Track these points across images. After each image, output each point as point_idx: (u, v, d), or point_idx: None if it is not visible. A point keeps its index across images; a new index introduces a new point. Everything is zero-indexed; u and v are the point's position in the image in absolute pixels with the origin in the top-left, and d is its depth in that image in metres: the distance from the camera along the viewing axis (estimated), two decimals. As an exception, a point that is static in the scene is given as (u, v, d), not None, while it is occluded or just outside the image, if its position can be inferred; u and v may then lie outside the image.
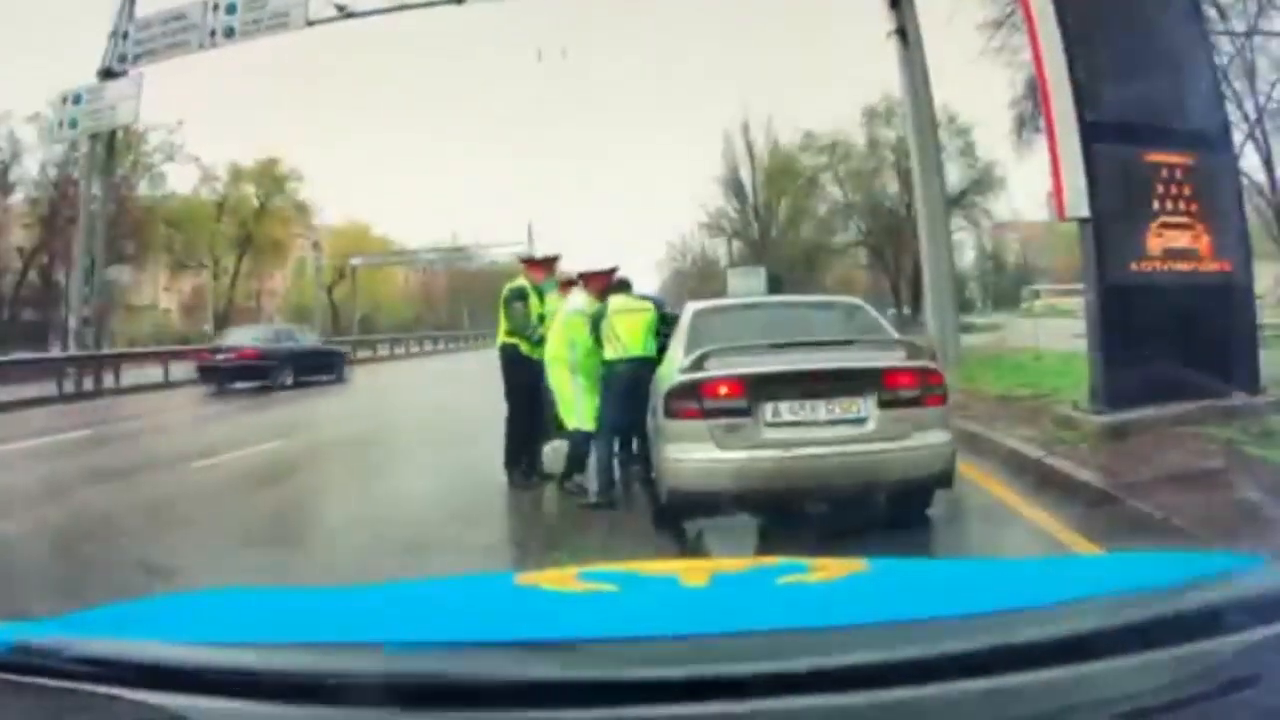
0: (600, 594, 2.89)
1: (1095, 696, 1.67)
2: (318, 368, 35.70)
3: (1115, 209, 14.20)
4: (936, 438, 9.09)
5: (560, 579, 3.23)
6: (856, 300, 12.43)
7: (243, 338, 35.17)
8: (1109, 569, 3.48)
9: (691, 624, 2.13)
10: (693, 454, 9.04)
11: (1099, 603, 1.95)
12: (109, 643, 1.88)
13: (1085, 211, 14.12)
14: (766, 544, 7.82)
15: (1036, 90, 18.42)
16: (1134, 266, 14.16)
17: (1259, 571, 2.35)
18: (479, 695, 1.67)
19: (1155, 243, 14.26)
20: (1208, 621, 1.79)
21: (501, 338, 12.88)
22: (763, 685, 1.63)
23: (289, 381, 33.27)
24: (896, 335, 10.84)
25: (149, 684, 1.74)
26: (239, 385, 32.52)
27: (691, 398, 9.10)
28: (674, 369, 9.70)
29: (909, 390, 9.06)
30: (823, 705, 1.64)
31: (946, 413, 9.46)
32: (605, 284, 12.01)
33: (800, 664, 1.65)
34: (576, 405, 11.59)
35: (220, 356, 33.22)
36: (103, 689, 1.75)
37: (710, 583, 3.02)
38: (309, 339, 39.01)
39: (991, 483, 11.43)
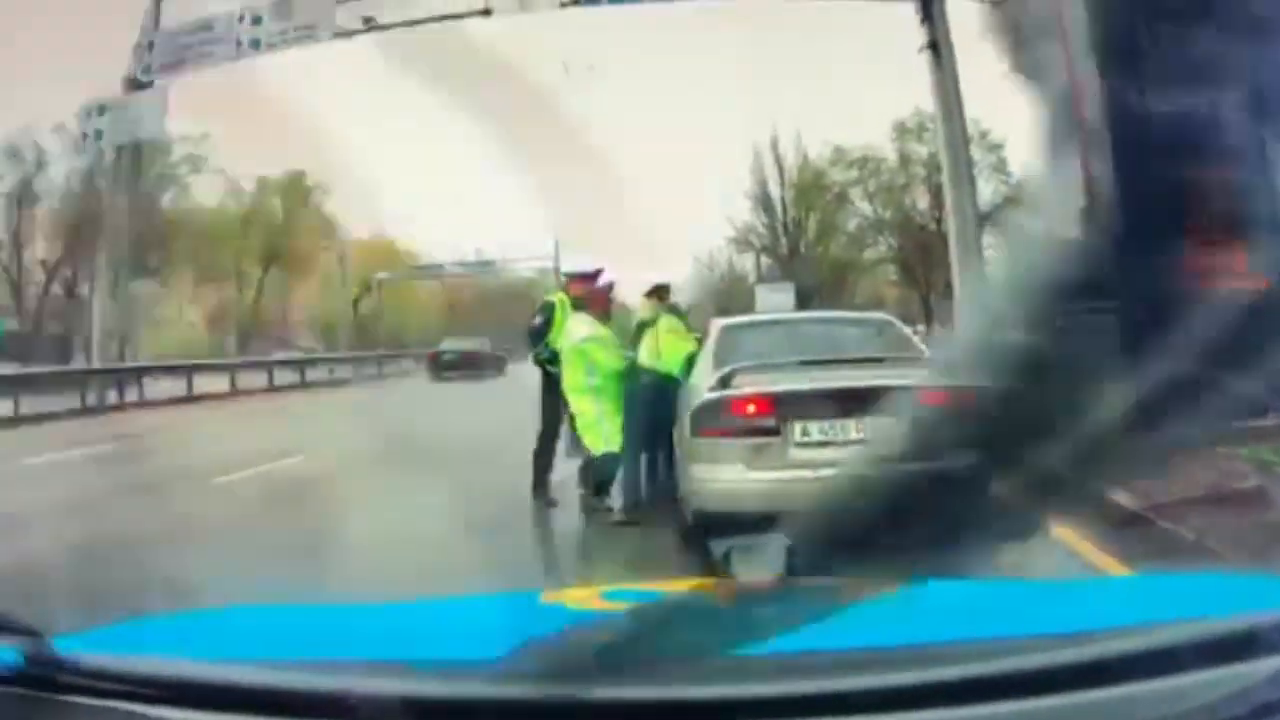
0: (624, 613, 2.71)
1: None
2: (495, 365, 50.21)
3: (1148, 224, 14.04)
4: (970, 457, 8.65)
5: (584, 598, 3.22)
6: (886, 316, 12.76)
7: (462, 344, 53.23)
8: (1140, 591, 3.49)
9: (718, 644, 2.05)
10: (720, 474, 9.07)
11: (1129, 626, 1.92)
12: (129, 658, 1.87)
13: (1117, 228, 14.00)
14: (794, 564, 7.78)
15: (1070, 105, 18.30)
16: (1167, 283, 14.01)
17: None
18: (501, 714, 1.68)
19: (1189, 259, 14.09)
20: (1240, 644, 1.74)
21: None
22: (792, 706, 1.64)
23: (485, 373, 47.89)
24: (927, 352, 10.52)
25: (168, 700, 1.74)
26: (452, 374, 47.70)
27: (719, 416, 9.14)
28: (701, 386, 9.74)
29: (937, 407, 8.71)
30: None
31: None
32: (605, 301, 12.17)
33: (829, 685, 1.67)
34: (602, 428, 11.28)
35: (446, 355, 51.46)
36: (122, 705, 1.74)
37: (737, 603, 2.84)
38: (489, 347, 53.22)
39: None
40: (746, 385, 9.20)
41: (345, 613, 3.09)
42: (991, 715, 1.64)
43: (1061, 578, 7.81)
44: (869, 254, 73.44)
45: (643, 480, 11.38)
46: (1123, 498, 10.27)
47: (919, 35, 28.45)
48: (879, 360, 9.73)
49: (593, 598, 3.13)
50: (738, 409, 9.09)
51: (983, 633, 2.09)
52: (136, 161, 37.25)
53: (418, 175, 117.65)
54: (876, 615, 2.46)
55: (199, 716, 1.71)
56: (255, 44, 32.68)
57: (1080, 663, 1.69)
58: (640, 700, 1.68)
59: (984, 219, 43.45)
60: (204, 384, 36.99)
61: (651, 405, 11.08)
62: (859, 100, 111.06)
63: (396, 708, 1.64)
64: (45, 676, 1.79)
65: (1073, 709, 1.64)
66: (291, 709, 1.69)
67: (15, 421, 26.95)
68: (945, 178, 29.05)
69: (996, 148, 60.86)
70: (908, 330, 11.82)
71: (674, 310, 12.30)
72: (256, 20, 32.51)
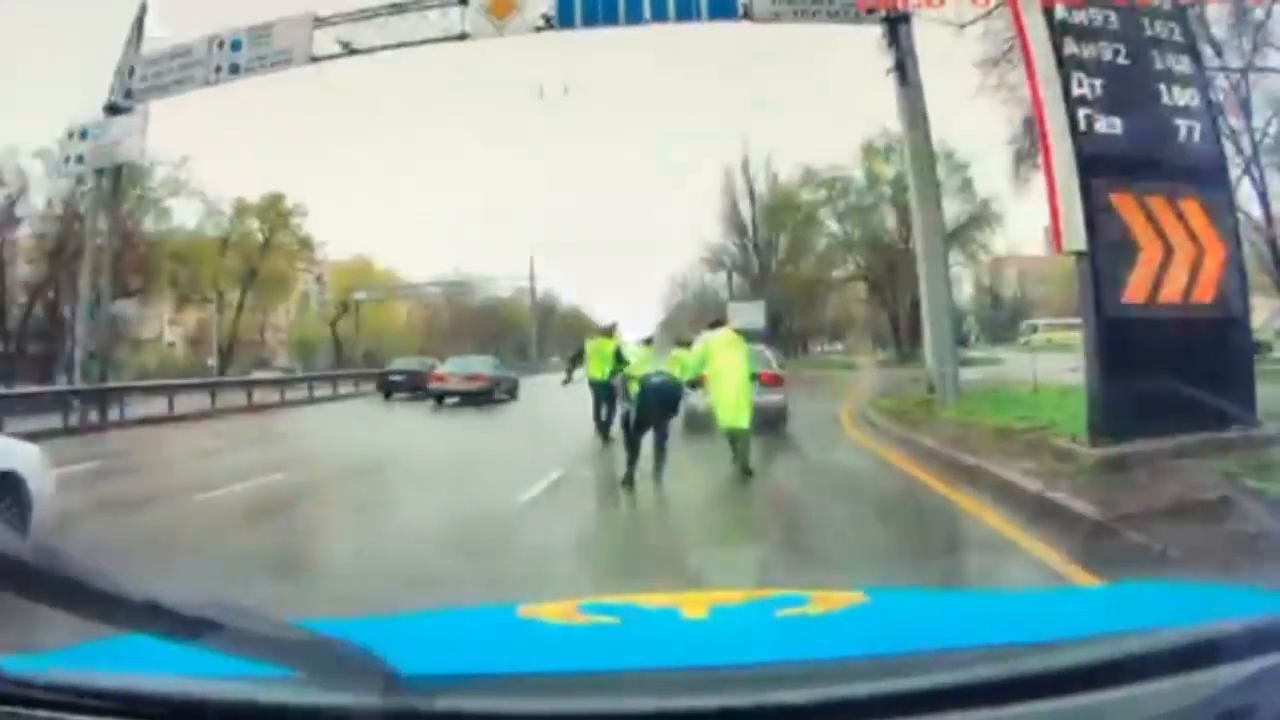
0: (601, 626, 2.95)
1: None
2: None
3: (1112, 243, 14.23)
4: (778, 396, 22.17)
5: (561, 611, 3.24)
6: (763, 346, 26.16)
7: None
8: (1107, 601, 3.58)
9: (692, 656, 2.19)
10: (698, 398, 18.60)
11: (1097, 634, 1.94)
12: (99, 675, 1.86)
13: (1082, 245, 14.18)
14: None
15: (1034, 126, 18.60)
16: (1131, 300, 14.23)
17: (1255, 603, 2.38)
18: None
19: (1152, 277, 14.31)
20: (1204, 653, 1.78)
21: (593, 374, 22.71)
22: (762, 717, 1.66)
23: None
24: (775, 362, 24.22)
25: (139, 717, 1.75)
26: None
27: (698, 380, 17.68)
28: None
29: (769, 382, 21.42)
30: None
31: (783, 388, 22.80)
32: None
33: (799, 696, 1.67)
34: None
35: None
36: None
37: (710, 615, 3.09)
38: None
39: (990, 515, 11.56)
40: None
41: (321, 627, 2.79)
42: None
43: (1026, 587, 8.08)
44: (838, 273, 73.38)
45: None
46: (1089, 509, 10.55)
47: (886, 58, 28.57)
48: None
49: (571, 611, 3.18)
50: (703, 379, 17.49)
51: (948, 642, 2.08)
52: (116, 185, 37.05)
53: (395, 197, 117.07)
54: (846, 626, 2.82)
55: None
56: (234, 69, 32.57)
57: (1045, 672, 1.72)
58: (614, 713, 1.71)
59: (950, 238, 43.74)
60: (183, 404, 37.06)
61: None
62: (828, 122, 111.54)
63: None
64: (10, 693, 1.78)
65: (1037, 718, 1.69)
66: None
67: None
68: (912, 197, 29.01)
69: (962, 168, 61.12)
70: (769, 352, 25.23)
71: (684, 345, 19.58)
72: (235, 45, 32.47)
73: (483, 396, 40.72)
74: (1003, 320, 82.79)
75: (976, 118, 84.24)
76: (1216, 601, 2.52)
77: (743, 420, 16.42)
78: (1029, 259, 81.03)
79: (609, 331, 20.53)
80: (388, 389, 49.01)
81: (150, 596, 1.51)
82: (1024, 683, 1.70)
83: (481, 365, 44.77)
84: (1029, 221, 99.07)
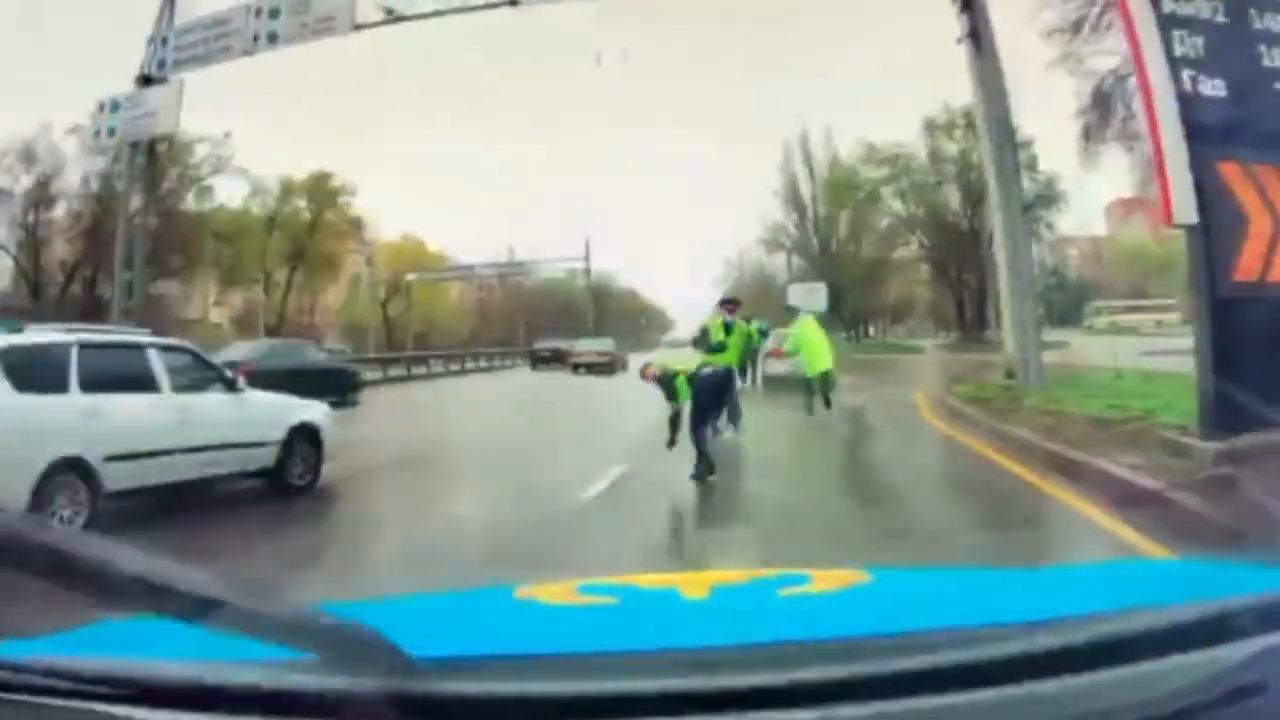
0: (600, 607, 2.93)
1: (1101, 706, 1.62)
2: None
3: (1220, 216, 13.37)
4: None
5: (560, 592, 3.22)
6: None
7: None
8: (1115, 578, 3.44)
9: (692, 637, 2.14)
10: (770, 368, 31.47)
11: (1105, 612, 1.90)
12: (101, 660, 1.81)
13: (1193, 218, 13.34)
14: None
15: (1105, 99, 17.78)
16: (1246, 278, 13.40)
17: (1265, 579, 2.32)
18: (479, 710, 1.64)
19: (1264, 253, 13.37)
20: (1214, 628, 1.75)
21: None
22: (765, 698, 1.61)
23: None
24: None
25: (142, 701, 1.69)
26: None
27: (771, 353, 28.77)
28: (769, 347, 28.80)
29: (777, 355, 27.87)
30: (824, 718, 1.61)
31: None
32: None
33: (802, 676, 1.63)
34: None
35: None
36: (97, 707, 1.69)
37: (711, 595, 3.09)
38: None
39: (1101, 515, 10.77)
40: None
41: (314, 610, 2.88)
42: (962, 704, 1.61)
43: (1033, 564, 8.07)
44: (900, 253, 73.57)
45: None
46: (1216, 511, 9.62)
47: (956, 26, 27.83)
48: None
49: (569, 592, 3.15)
50: (776, 352, 27.70)
51: (954, 621, 2.01)
52: (152, 160, 36.93)
53: (447, 174, 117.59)
54: (849, 605, 2.79)
55: (175, 717, 1.67)
56: (272, 38, 32.30)
57: (1052, 649, 1.68)
58: (614, 694, 1.64)
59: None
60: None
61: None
62: (889, 97, 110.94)
63: (379, 705, 1.59)
64: (12, 680, 1.74)
65: (1045, 696, 1.63)
66: (273, 707, 1.64)
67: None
68: (989, 173, 28.27)
69: (1026, 144, 60.42)
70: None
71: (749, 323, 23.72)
72: (274, 13, 32.11)
73: (605, 368, 57.12)
74: (1065, 302, 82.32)
75: (1040, 91, 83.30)
76: (1226, 577, 2.61)
77: (826, 364, 23.21)
78: (1088, 240, 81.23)
79: (731, 305, 20.16)
80: (535, 361, 69.01)
81: (150, 572, 1.54)
82: (1030, 661, 1.68)
83: (603, 344, 63.10)
84: (1090, 200, 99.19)
